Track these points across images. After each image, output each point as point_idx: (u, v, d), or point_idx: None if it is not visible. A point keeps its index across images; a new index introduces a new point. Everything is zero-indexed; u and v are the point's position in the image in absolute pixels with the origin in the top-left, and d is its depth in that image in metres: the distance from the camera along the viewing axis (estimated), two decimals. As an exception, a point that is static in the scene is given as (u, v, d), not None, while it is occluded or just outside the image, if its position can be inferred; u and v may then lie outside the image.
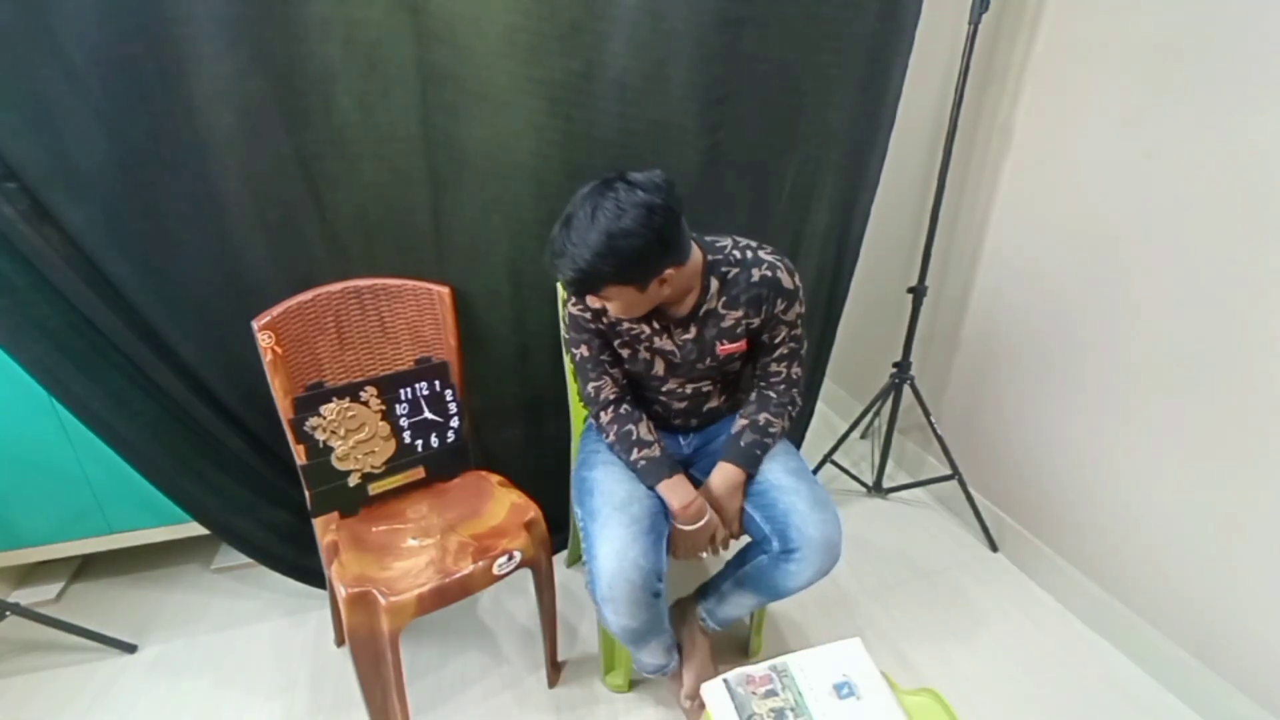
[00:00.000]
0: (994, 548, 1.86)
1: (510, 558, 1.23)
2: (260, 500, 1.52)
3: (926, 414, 1.90)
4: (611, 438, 1.24)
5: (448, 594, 1.18)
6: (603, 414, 1.25)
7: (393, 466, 1.40)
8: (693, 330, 1.19)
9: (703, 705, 1.02)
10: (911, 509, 2.04)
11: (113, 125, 1.13)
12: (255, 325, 1.21)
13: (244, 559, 1.71)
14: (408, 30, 1.18)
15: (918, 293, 1.80)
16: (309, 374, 1.29)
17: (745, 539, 1.28)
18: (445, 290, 1.39)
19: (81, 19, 1.04)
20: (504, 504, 1.38)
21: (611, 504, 1.16)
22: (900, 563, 1.81)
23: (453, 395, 1.44)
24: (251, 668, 1.50)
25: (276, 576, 1.64)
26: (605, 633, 1.40)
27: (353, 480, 1.36)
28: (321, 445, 1.30)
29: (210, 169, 1.19)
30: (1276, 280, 1.17)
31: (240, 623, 1.61)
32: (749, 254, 1.18)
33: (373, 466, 1.38)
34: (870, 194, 1.65)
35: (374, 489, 1.39)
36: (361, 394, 1.34)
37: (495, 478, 1.46)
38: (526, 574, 1.33)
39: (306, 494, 1.31)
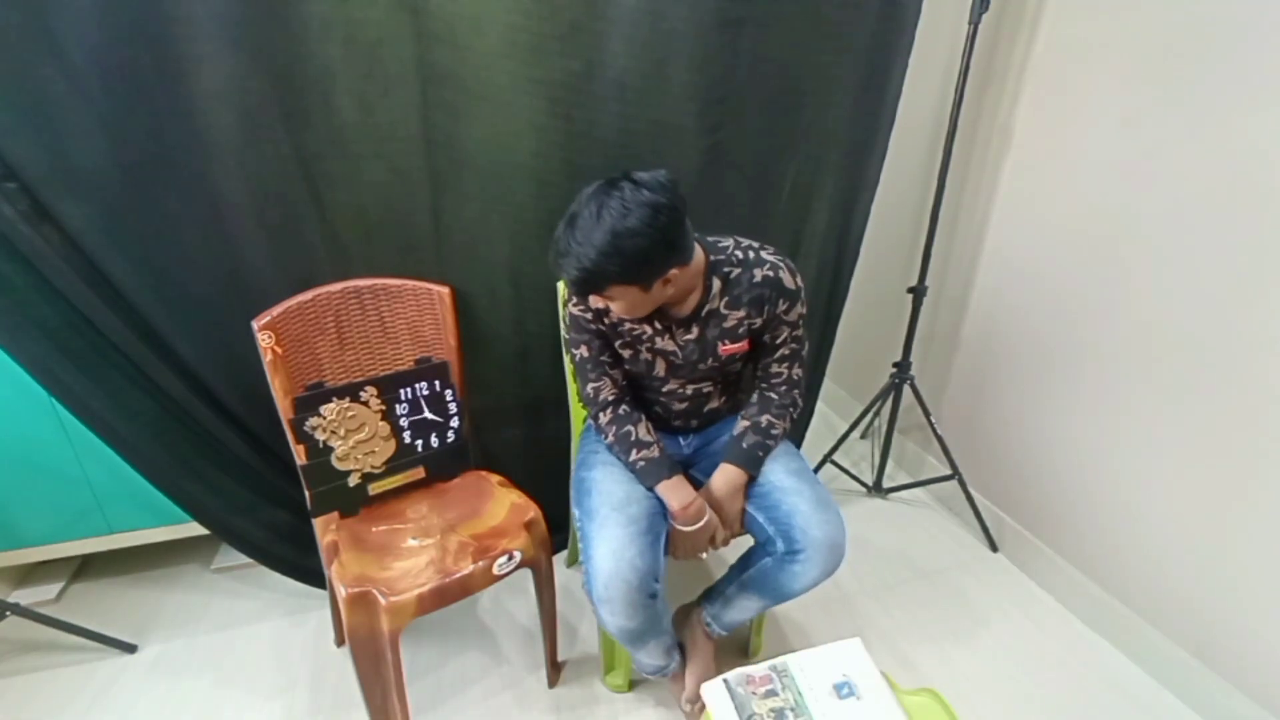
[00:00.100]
0: (994, 548, 1.86)
1: (510, 558, 1.23)
2: (260, 500, 1.52)
3: (926, 414, 1.90)
4: (610, 438, 1.24)
5: (448, 594, 1.18)
6: (602, 415, 1.25)
7: (393, 466, 1.40)
8: (695, 331, 1.19)
9: (703, 707, 1.02)
10: (911, 509, 2.04)
11: (113, 125, 1.13)
12: (255, 325, 1.21)
13: (244, 559, 1.71)
14: (408, 30, 1.18)
15: (918, 293, 1.80)
16: (309, 374, 1.29)
17: (747, 539, 1.28)
18: (445, 290, 1.39)
19: (81, 19, 1.04)
20: (504, 504, 1.38)
21: (610, 504, 1.16)
22: (900, 563, 1.81)
23: (453, 395, 1.44)
24: (251, 668, 1.50)
25: (276, 576, 1.64)
26: (605, 633, 1.40)
27: (353, 480, 1.36)
28: (321, 445, 1.30)
29: (210, 169, 1.19)
30: (1276, 280, 1.17)
31: (240, 623, 1.61)
32: (751, 254, 1.18)
33: (373, 466, 1.38)
34: (870, 194, 1.65)
35: (374, 489, 1.39)
36: (361, 394, 1.34)
37: (495, 478, 1.46)
38: (526, 574, 1.33)
39: (306, 494, 1.31)
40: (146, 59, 1.09)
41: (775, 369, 1.25)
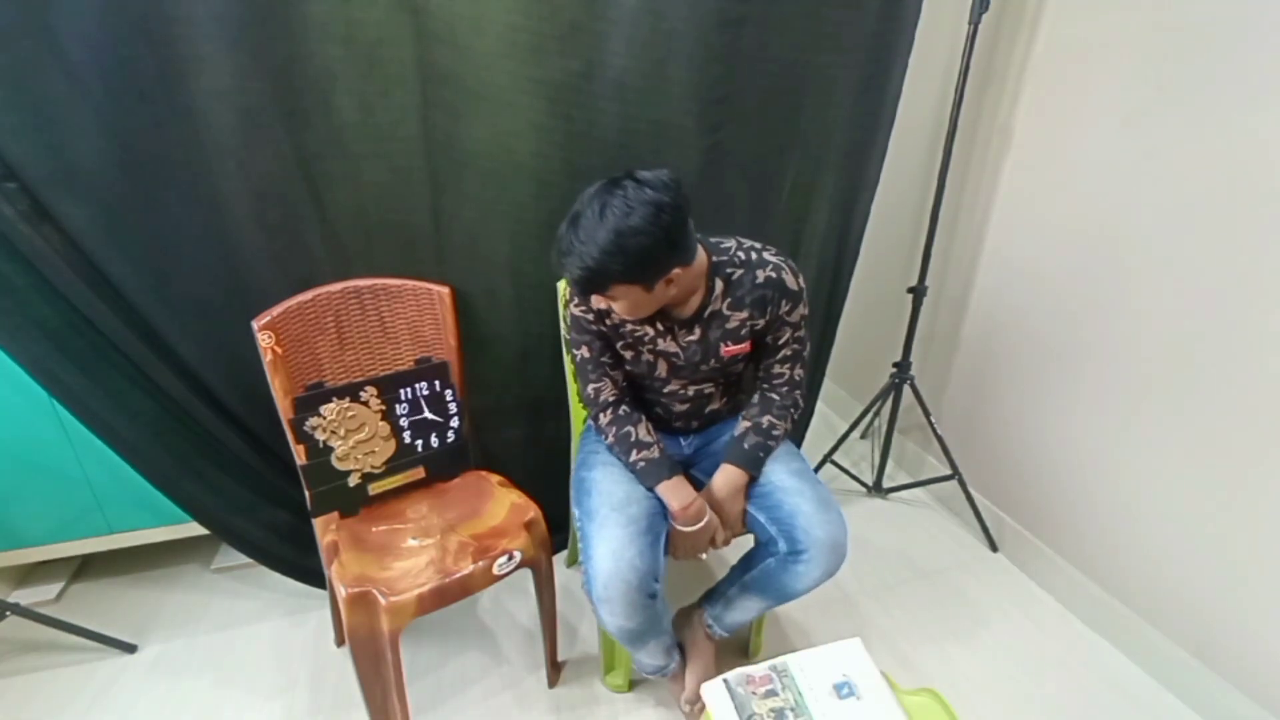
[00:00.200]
0: (994, 548, 1.86)
1: (510, 558, 1.23)
2: (260, 500, 1.52)
3: (926, 414, 1.90)
4: (611, 439, 1.24)
5: (448, 594, 1.18)
6: (602, 415, 1.25)
7: (393, 466, 1.40)
8: (697, 331, 1.19)
9: (703, 708, 1.02)
10: (911, 509, 2.04)
11: (113, 125, 1.13)
12: (255, 325, 1.21)
13: (244, 559, 1.71)
14: (408, 30, 1.18)
15: (918, 293, 1.80)
16: (309, 374, 1.29)
17: (747, 540, 1.28)
18: (445, 290, 1.39)
19: (82, 19, 1.04)
20: (504, 504, 1.38)
21: (609, 504, 1.16)
22: (900, 563, 1.81)
23: (453, 395, 1.44)
24: (251, 668, 1.50)
25: (276, 576, 1.64)
26: (605, 633, 1.39)
27: (353, 480, 1.36)
28: (321, 445, 1.30)
29: (210, 169, 1.19)
30: (1276, 280, 1.17)
31: (240, 623, 1.61)
32: (753, 255, 1.18)
33: (373, 466, 1.38)
34: (870, 194, 1.65)
35: (374, 489, 1.39)
36: (361, 394, 1.34)
37: (495, 478, 1.46)
38: (526, 574, 1.33)
39: (306, 494, 1.31)
40: (146, 59, 1.09)
41: (777, 370, 1.25)
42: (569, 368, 1.43)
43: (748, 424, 1.25)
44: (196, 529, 1.59)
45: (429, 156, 1.30)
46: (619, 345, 1.23)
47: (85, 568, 1.79)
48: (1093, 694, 1.43)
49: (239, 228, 1.26)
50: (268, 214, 1.26)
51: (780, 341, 1.22)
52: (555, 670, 1.46)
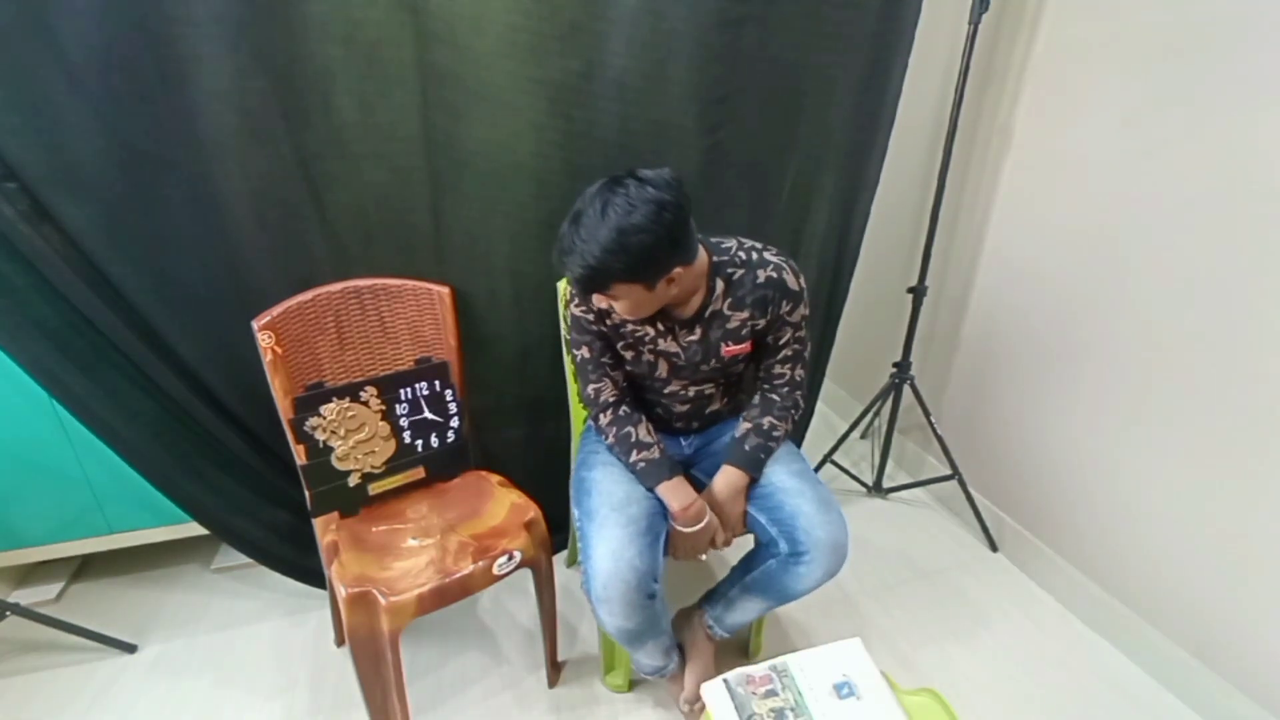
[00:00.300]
0: (994, 548, 1.86)
1: (510, 558, 1.23)
2: (260, 500, 1.52)
3: (926, 414, 1.90)
4: (611, 439, 1.24)
5: (448, 594, 1.18)
6: (602, 416, 1.25)
7: (393, 466, 1.40)
8: (698, 332, 1.19)
9: (703, 708, 1.02)
10: (911, 509, 2.04)
11: (113, 125, 1.13)
12: (255, 325, 1.21)
13: (244, 559, 1.71)
14: (408, 30, 1.18)
15: (918, 293, 1.80)
16: (309, 374, 1.29)
17: (748, 540, 1.28)
18: (445, 290, 1.39)
19: (82, 18, 1.04)
20: (504, 504, 1.38)
21: (609, 504, 1.16)
22: (900, 563, 1.81)
23: (453, 395, 1.44)
24: (251, 668, 1.50)
25: (276, 576, 1.64)
26: (605, 633, 1.39)
27: (353, 480, 1.36)
28: (321, 445, 1.30)
29: (210, 169, 1.19)
30: (1276, 280, 1.17)
31: (240, 623, 1.61)
32: (754, 255, 1.18)
33: (373, 466, 1.38)
34: (870, 194, 1.65)
35: (374, 489, 1.39)
36: (361, 394, 1.34)
37: (495, 478, 1.46)
38: (526, 574, 1.33)
39: (306, 494, 1.31)
40: (146, 59, 1.09)
41: (777, 370, 1.25)
42: (569, 368, 1.43)
43: (748, 425, 1.25)
44: (196, 529, 1.59)
45: (429, 156, 1.30)
46: (619, 345, 1.23)
47: (85, 568, 1.79)
48: (1093, 694, 1.43)
49: (239, 228, 1.26)
50: (268, 214, 1.26)
51: (781, 342, 1.22)
52: (555, 670, 1.46)
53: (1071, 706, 1.40)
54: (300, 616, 1.63)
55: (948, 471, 1.90)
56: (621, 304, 1.09)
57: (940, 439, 1.89)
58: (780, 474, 1.22)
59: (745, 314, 1.18)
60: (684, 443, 1.38)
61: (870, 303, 2.21)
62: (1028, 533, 1.76)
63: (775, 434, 1.23)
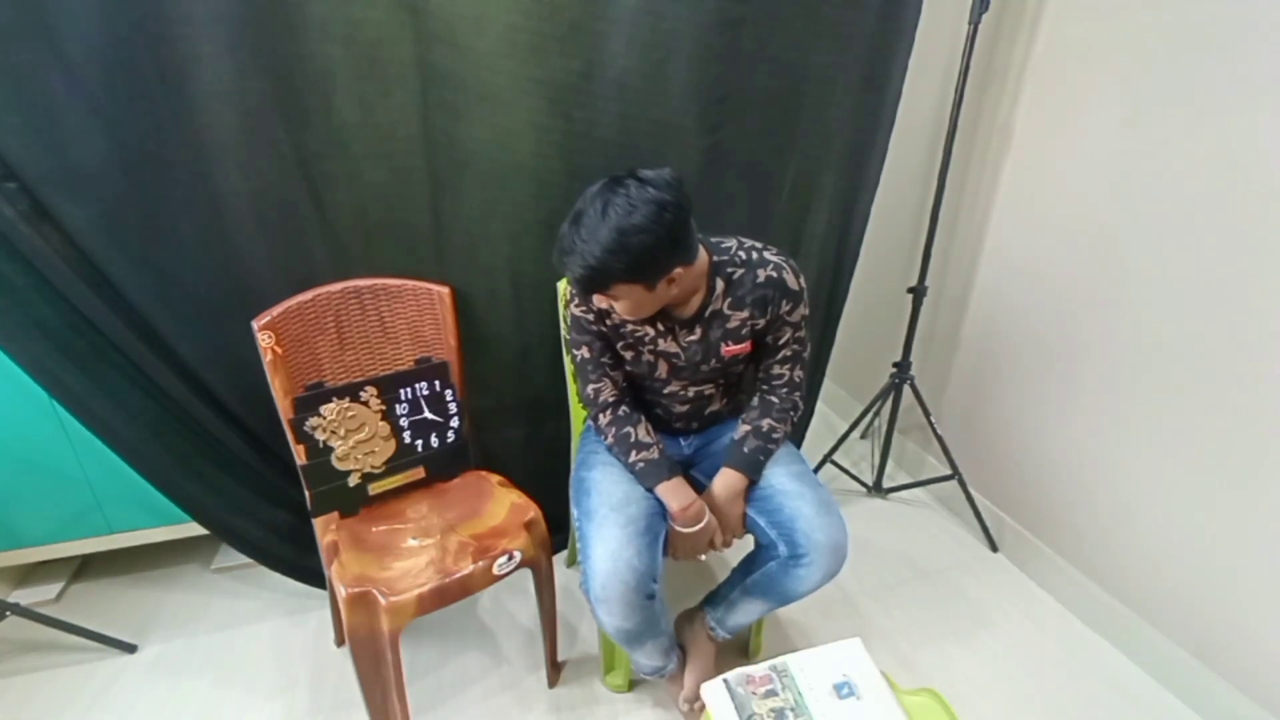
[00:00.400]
0: (994, 548, 1.86)
1: (510, 558, 1.23)
2: (260, 500, 1.52)
3: (926, 414, 1.90)
4: (610, 439, 1.24)
5: (448, 594, 1.18)
6: (602, 416, 1.25)
7: (393, 466, 1.40)
8: (698, 332, 1.19)
9: (703, 708, 1.02)
10: (911, 509, 2.04)
11: (113, 125, 1.12)
12: (255, 325, 1.21)
13: (244, 559, 1.71)
14: (408, 30, 1.18)
15: (918, 293, 1.80)
16: (309, 374, 1.29)
17: (748, 541, 1.28)
18: (445, 290, 1.39)
19: (82, 19, 1.04)
20: (504, 504, 1.38)
21: (608, 504, 1.16)
22: (900, 563, 1.81)
23: (453, 395, 1.44)
24: (251, 668, 1.50)
25: (276, 576, 1.63)
26: (605, 633, 1.40)
27: (353, 480, 1.36)
28: (321, 445, 1.30)
29: (210, 169, 1.19)
30: (1276, 280, 1.17)
31: (240, 623, 1.61)
32: (754, 255, 1.18)
33: (373, 466, 1.38)
34: (870, 194, 1.65)
35: (374, 489, 1.39)
36: (361, 394, 1.34)
37: (495, 478, 1.46)
38: (526, 574, 1.33)
39: (306, 494, 1.31)
40: (146, 59, 1.09)
41: (777, 370, 1.25)
42: (569, 368, 1.43)
43: (747, 428, 1.25)
44: (196, 529, 1.59)
45: (429, 157, 1.30)
46: (619, 345, 1.23)
47: (85, 568, 1.79)
48: (1093, 694, 1.43)
49: (239, 228, 1.26)
50: (268, 214, 1.26)
51: (780, 341, 1.22)
52: (555, 670, 1.46)
53: (1071, 706, 1.40)
54: (300, 616, 1.63)
55: (948, 471, 1.90)
56: (622, 304, 1.09)
57: (940, 439, 1.89)
58: (779, 476, 1.22)
59: (745, 313, 1.18)
60: (683, 443, 1.38)
61: (870, 303, 2.21)
62: (1028, 533, 1.76)
63: (774, 436, 1.23)
